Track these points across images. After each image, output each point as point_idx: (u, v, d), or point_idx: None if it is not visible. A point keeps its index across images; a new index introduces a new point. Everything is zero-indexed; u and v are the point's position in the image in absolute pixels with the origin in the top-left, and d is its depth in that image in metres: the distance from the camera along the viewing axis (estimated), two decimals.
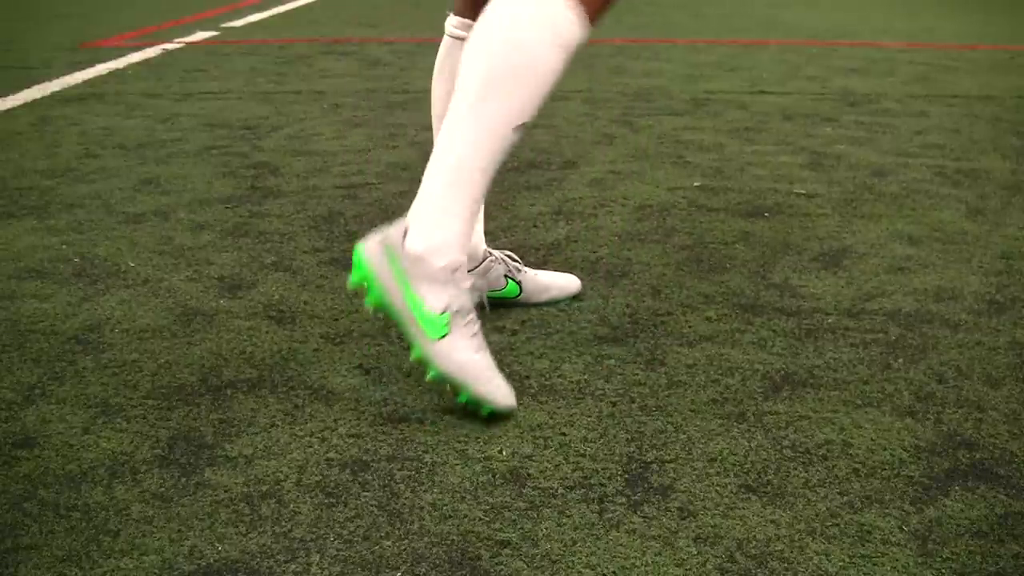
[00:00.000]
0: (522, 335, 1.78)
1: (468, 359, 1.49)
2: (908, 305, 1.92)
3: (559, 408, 1.53)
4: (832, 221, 2.40)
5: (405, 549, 1.21)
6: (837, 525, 1.26)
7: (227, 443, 1.43)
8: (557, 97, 3.78)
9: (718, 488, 1.33)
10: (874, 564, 1.19)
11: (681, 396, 1.57)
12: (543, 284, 1.91)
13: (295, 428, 1.47)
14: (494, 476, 1.36)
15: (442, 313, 1.47)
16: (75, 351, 1.71)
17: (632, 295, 1.95)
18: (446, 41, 1.78)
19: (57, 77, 4.16)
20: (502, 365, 1.66)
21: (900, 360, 1.70)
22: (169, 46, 5.09)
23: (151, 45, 5.08)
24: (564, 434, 1.46)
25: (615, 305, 1.91)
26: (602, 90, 3.98)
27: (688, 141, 3.18)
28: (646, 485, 1.34)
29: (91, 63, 4.50)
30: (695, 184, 2.70)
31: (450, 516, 1.27)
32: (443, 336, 1.47)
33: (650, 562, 1.19)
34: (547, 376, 1.63)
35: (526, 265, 1.94)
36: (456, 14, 1.77)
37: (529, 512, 1.28)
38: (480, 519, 1.26)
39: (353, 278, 1.51)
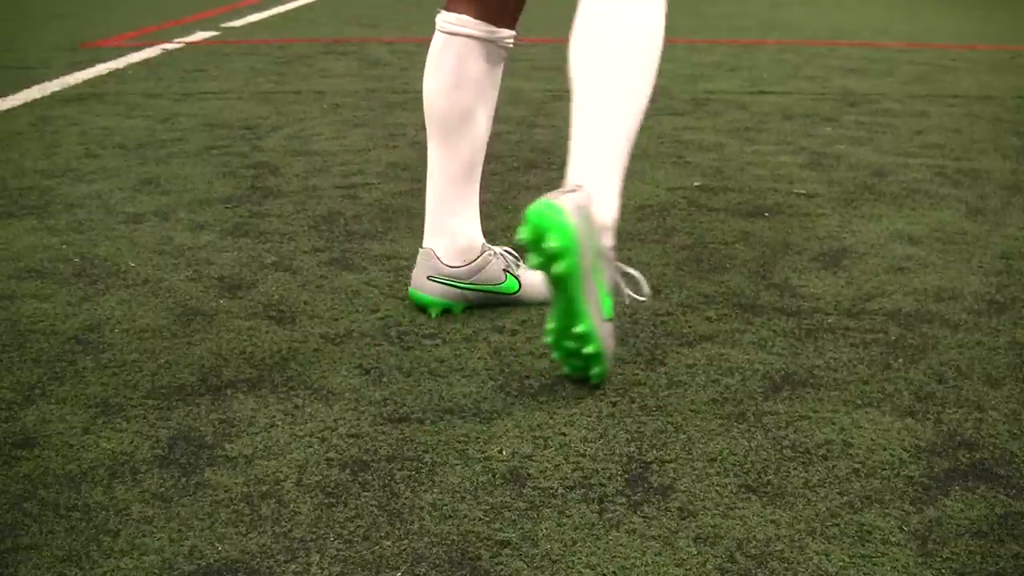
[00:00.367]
0: (522, 335, 1.78)
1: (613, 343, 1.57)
2: (908, 305, 1.92)
3: (559, 408, 1.53)
4: (832, 221, 2.40)
5: (405, 549, 1.21)
6: (837, 525, 1.26)
7: (227, 443, 1.43)
8: (557, 97, 3.78)
9: (718, 488, 1.33)
10: (874, 564, 1.19)
11: (681, 396, 1.57)
12: (543, 282, 1.90)
13: (295, 428, 1.47)
14: (494, 476, 1.36)
15: (610, 293, 1.52)
16: (75, 351, 1.71)
17: None
18: (439, 37, 1.78)
19: (57, 77, 4.16)
20: (502, 365, 1.67)
21: (900, 360, 1.70)
22: (169, 46, 5.09)
23: (151, 45, 5.08)
24: (564, 434, 1.46)
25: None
26: None
27: (688, 141, 3.18)
28: (646, 485, 1.34)
29: (91, 63, 4.51)
30: (695, 184, 2.70)
31: (450, 516, 1.27)
32: (611, 318, 1.54)
33: (650, 562, 1.19)
34: (547, 376, 1.63)
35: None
36: (449, 10, 1.77)
37: (529, 512, 1.28)
38: (480, 519, 1.26)
39: (561, 240, 1.39)
